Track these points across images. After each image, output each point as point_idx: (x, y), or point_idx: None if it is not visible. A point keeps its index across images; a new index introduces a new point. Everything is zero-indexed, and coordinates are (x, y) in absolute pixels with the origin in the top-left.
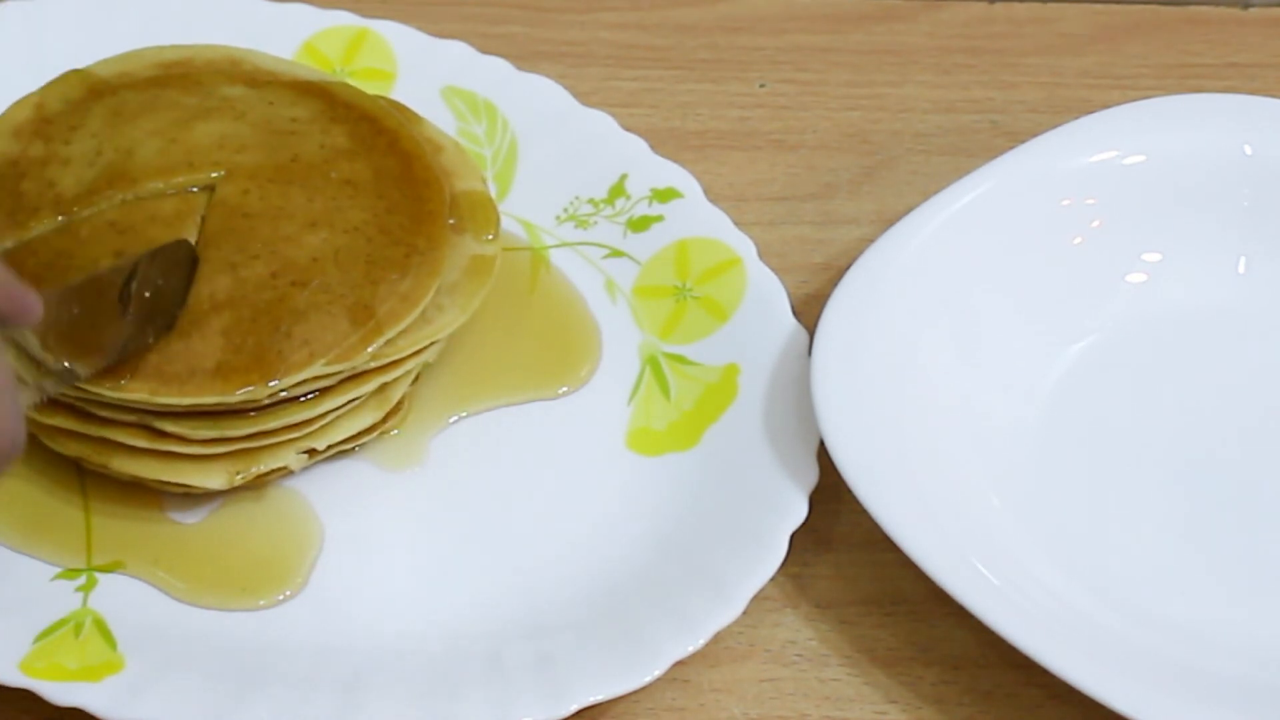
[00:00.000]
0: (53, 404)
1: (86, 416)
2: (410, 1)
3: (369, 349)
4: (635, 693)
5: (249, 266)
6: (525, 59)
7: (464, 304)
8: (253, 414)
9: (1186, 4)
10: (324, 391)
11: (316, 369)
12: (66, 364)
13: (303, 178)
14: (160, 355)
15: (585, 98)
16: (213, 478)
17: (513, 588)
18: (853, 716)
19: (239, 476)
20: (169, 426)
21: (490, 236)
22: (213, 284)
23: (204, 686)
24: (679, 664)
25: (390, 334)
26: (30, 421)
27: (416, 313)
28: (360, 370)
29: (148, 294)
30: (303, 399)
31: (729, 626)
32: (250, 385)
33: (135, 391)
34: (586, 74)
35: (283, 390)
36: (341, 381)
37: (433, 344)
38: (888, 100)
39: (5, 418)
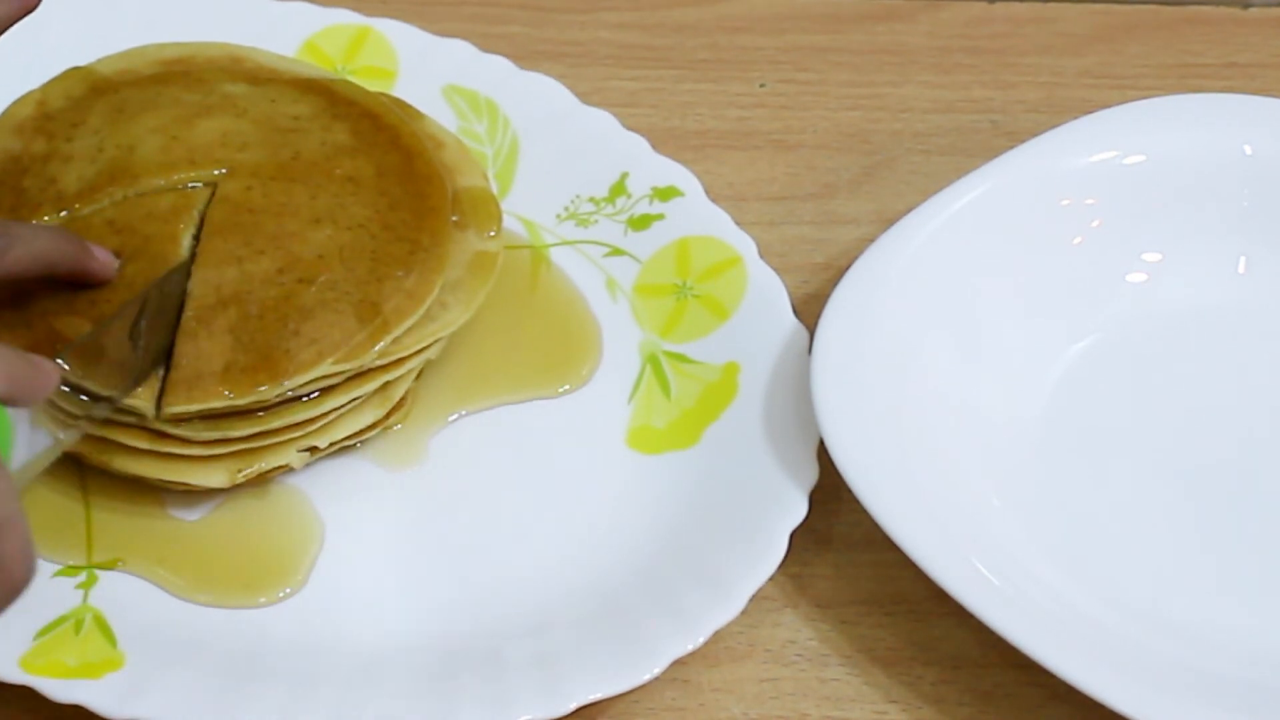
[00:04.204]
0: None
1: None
2: (411, 1)
3: (376, 347)
4: (635, 692)
5: (255, 261)
6: (526, 59)
7: (468, 300)
8: (257, 414)
9: (1186, 4)
10: (328, 390)
11: (325, 368)
12: (105, 392)
13: (305, 175)
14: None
15: (585, 97)
16: (214, 477)
17: (512, 586)
18: (853, 716)
19: (241, 475)
20: (171, 429)
21: (493, 233)
22: (220, 274)
23: (204, 684)
24: (679, 664)
25: (397, 331)
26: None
27: (422, 310)
28: (365, 368)
29: (148, 325)
30: (307, 398)
31: (729, 626)
32: (259, 386)
33: (144, 399)
34: (587, 74)
35: (290, 390)
36: (346, 380)
37: (436, 341)
38: (888, 100)
39: (14, 548)
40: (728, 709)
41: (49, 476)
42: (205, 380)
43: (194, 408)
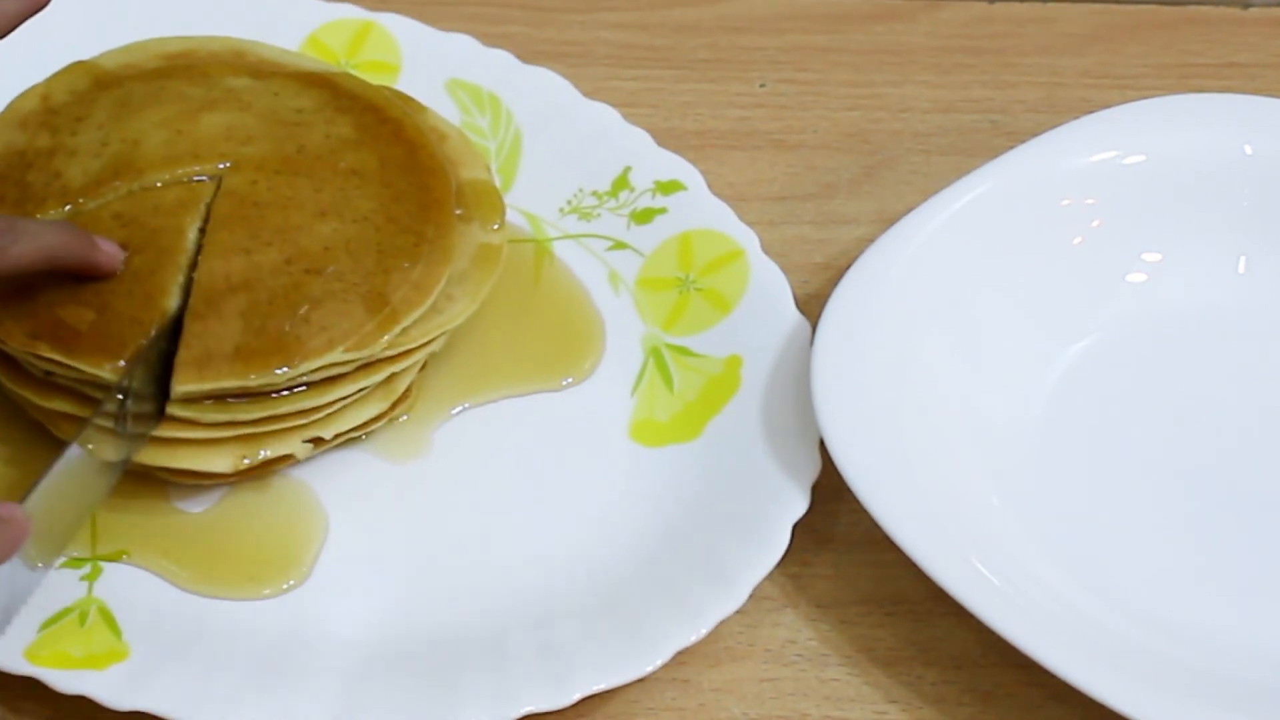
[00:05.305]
0: (54, 388)
1: (89, 401)
2: (411, 2)
3: (385, 337)
4: (635, 691)
5: (262, 252)
6: (526, 59)
7: (474, 293)
8: (266, 397)
9: (1186, 4)
10: (336, 379)
11: (335, 355)
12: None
13: (309, 168)
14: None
15: (585, 97)
16: (218, 462)
17: (515, 578)
18: (853, 716)
19: (245, 461)
20: (179, 411)
21: (496, 225)
22: (227, 264)
23: (208, 675)
24: (679, 663)
25: (406, 322)
26: (33, 406)
27: (430, 301)
28: (373, 359)
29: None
30: (317, 383)
31: (729, 626)
32: (269, 369)
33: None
34: (587, 74)
35: (301, 375)
36: (354, 370)
37: (443, 333)
38: (888, 100)
39: None
40: (728, 709)
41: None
42: (216, 360)
43: (205, 386)
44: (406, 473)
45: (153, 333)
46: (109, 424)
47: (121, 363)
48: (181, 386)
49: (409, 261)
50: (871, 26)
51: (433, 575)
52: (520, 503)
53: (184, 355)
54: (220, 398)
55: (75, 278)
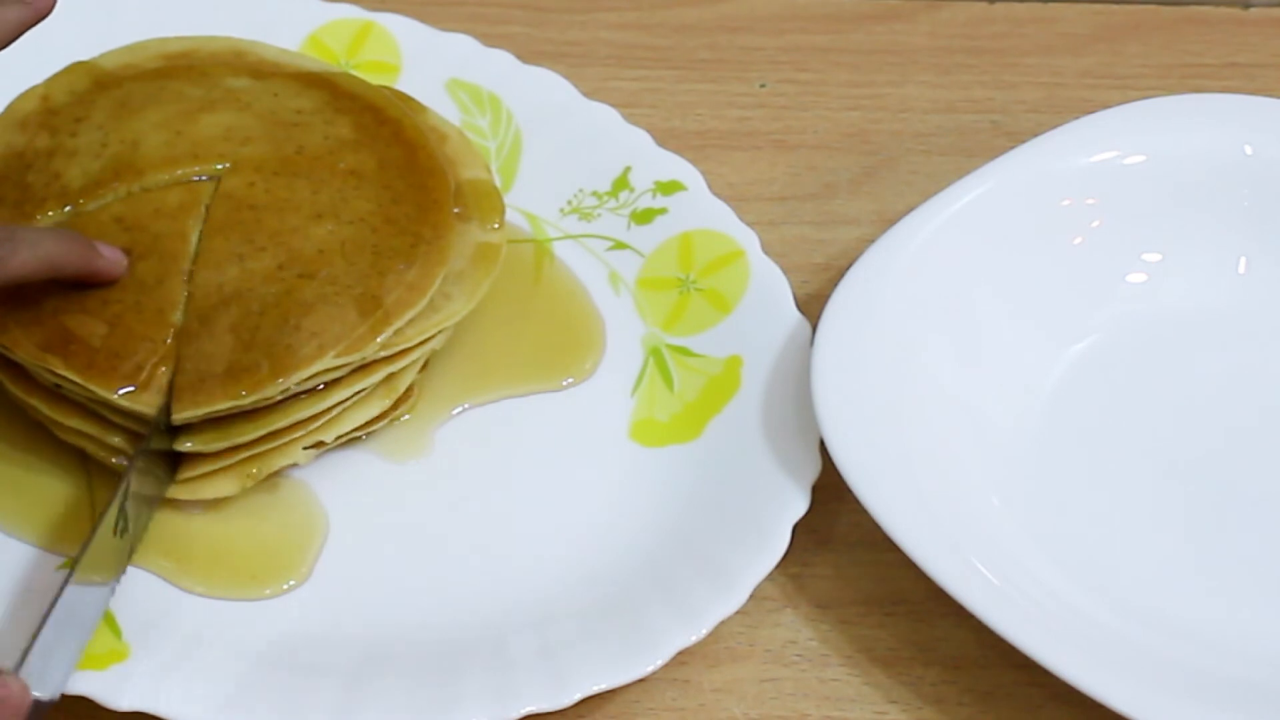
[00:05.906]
0: (62, 400)
1: (98, 419)
2: (410, 2)
3: (378, 339)
4: (635, 692)
5: (256, 258)
6: (526, 59)
7: (471, 292)
8: (262, 413)
9: (1186, 4)
10: (332, 384)
11: (326, 361)
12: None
13: (308, 169)
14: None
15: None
16: (225, 486)
17: (516, 578)
18: (853, 716)
19: (251, 481)
20: (179, 445)
21: (496, 224)
22: (221, 274)
23: (208, 675)
24: (679, 664)
25: (399, 323)
26: (36, 411)
27: (424, 302)
28: (369, 361)
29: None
30: (315, 390)
31: (730, 626)
32: (262, 384)
33: (147, 405)
34: (587, 74)
35: (294, 386)
36: (350, 373)
37: (440, 332)
38: (888, 100)
39: None
40: (728, 709)
41: (54, 469)
42: (209, 383)
43: (200, 412)
44: (407, 472)
45: (162, 352)
46: (146, 463)
47: (133, 387)
48: (178, 415)
49: (405, 263)
50: (871, 26)
51: (433, 575)
52: (521, 502)
53: (179, 380)
54: (219, 420)
55: (78, 283)
